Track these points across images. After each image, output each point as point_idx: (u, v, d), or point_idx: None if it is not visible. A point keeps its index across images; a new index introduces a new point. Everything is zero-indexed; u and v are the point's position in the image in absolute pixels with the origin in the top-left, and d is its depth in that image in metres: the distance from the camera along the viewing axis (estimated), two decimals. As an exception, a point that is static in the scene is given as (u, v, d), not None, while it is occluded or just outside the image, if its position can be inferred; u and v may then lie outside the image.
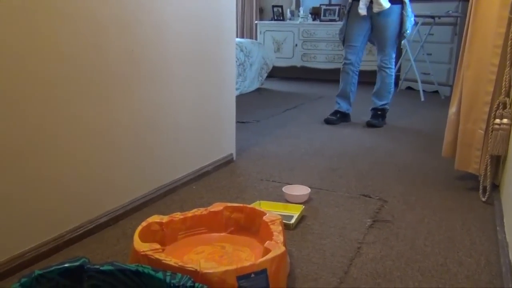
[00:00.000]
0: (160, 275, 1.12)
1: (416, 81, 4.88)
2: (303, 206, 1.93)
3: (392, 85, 3.58)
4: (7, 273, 1.41)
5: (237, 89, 4.57)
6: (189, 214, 1.60)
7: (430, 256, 1.61)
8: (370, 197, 2.12)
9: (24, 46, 1.39)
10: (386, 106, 3.61)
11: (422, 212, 1.98)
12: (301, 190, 2.09)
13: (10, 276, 1.40)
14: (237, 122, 2.70)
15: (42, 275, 1.11)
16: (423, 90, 4.81)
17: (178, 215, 1.58)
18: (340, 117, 3.64)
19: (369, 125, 3.54)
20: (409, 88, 5.30)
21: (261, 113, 3.97)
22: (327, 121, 3.62)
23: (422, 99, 4.71)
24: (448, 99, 3.44)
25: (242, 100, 4.37)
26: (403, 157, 2.78)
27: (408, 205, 2.05)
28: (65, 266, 1.14)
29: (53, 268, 1.13)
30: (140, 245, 1.33)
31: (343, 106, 3.65)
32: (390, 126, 3.59)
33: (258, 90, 5.26)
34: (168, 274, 1.12)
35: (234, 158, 2.64)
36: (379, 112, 3.60)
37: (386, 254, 1.61)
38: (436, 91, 4.96)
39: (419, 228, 1.82)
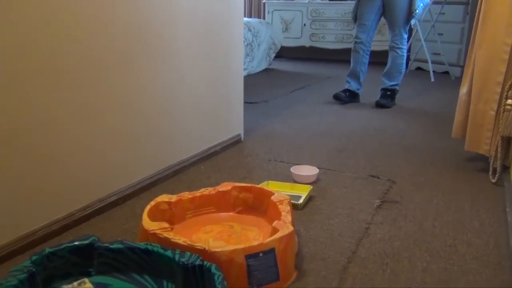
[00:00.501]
0: (169, 253, 1.13)
1: (426, 61, 4.82)
2: (311, 187, 1.92)
3: (403, 66, 3.54)
4: (19, 250, 1.42)
5: (245, 69, 4.55)
6: (198, 193, 1.60)
7: (439, 237, 1.61)
8: (378, 177, 2.12)
9: (30, 25, 1.38)
10: (396, 87, 3.57)
11: (431, 193, 1.97)
12: (309, 171, 2.08)
13: (21, 254, 1.42)
14: (245, 102, 2.69)
15: (53, 253, 1.12)
16: (433, 71, 4.76)
17: (186, 195, 1.58)
18: (349, 96, 3.62)
19: (378, 105, 3.51)
20: (419, 68, 5.24)
21: (269, 94, 3.95)
22: (336, 97, 3.60)
23: (432, 79, 4.66)
24: (458, 80, 3.40)
25: (250, 81, 4.35)
26: (412, 138, 2.76)
27: (417, 186, 2.04)
28: (75, 244, 1.16)
29: (63, 246, 1.14)
30: (149, 224, 1.34)
31: (353, 85, 3.62)
32: (399, 106, 3.56)
33: (266, 70, 5.23)
34: (177, 252, 1.13)
35: (242, 139, 2.64)
36: (389, 93, 3.56)
37: (394, 235, 1.61)
38: (447, 72, 4.90)
39: (428, 209, 1.82)
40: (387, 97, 3.55)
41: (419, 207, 1.84)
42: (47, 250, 1.12)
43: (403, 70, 3.56)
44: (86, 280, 1.14)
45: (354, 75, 3.61)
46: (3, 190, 1.38)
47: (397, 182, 2.08)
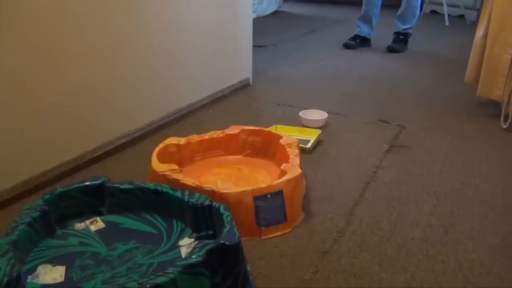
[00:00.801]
0: (178, 194, 1.14)
1: (441, 4, 4.65)
2: (320, 131, 1.92)
3: (418, 8, 3.41)
4: (31, 190, 1.45)
5: (253, 12, 4.42)
6: (206, 136, 1.61)
7: (446, 181, 1.61)
8: (388, 122, 2.10)
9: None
10: (409, 31, 3.47)
11: (441, 138, 1.95)
12: (318, 115, 2.07)
13: (33, 194, 1.45)
14: (254, 46, 2.63)
15: (64, 193, 1.14)
16: (448, 14, 4.60)
17: (195, 137, 1.59)
18: (360, 42, 3.52)
19: (390, 49, 3.42)
20: (433, 11, 5.06)
21: (278, 37, 3.86)
22: (346, 46, 3.51)
23: (447, 23, 4.52)
24: (473, 24, 3.29)
25: (259, 23, 4.23)
26: (423, 83, 2.71)
27: (427, 131, 2.03)
28: (86, 184, 1.17)
29: (75, 186, 1.16)
30: (158, 166, 1.35)
31: (364, 30, 3.52)
32: (412, 51, 3.48)
33: (276, 13, 5.08)
34: (186, 193, 1.14)
35: (251, 82, 2.60)
36: (402, 37, 3.47)
37: (402, 179, 1.62)
38: (462, 15, 4.73)
39: (437, 154, 1.81)
40: (400, 42, 3.46)
41: (428, 151, 1.83)
42: (59, 189, 1.13)
43: (418, 13, 3.44)
44: (98, 219, 1.16)
45: (366, 18, 3.50)
46: (15, 132, 1.39)
47: (407, 127, 2.06)
